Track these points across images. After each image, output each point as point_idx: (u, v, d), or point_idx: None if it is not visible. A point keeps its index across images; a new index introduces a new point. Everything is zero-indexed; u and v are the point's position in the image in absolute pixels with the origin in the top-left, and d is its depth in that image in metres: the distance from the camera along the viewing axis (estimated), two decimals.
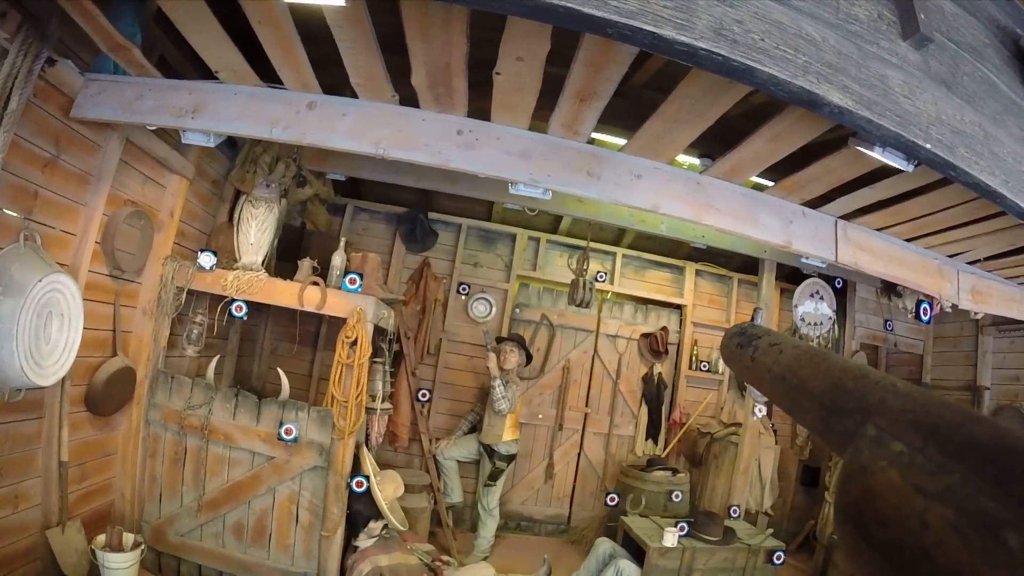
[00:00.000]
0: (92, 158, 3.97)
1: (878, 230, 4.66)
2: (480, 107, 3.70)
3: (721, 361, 7.86)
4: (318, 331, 7.10)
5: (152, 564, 4.78)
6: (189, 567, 4.81)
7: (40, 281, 3.26)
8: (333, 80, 3.70)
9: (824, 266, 4.91)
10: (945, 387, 7.49)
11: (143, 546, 4.27)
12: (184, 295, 4.85)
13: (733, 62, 2.24)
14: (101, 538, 4.15)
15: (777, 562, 5.57)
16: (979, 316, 5.55)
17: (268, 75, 3.70)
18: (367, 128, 3.72)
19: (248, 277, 4.82)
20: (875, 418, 1.02)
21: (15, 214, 3.41)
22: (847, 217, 4.51)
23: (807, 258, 4.63)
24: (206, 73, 3.79)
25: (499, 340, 6.59)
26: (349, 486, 4.71)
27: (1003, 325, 7.14)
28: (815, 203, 4.35)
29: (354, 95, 3.71)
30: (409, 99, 3.65)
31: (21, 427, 3.73)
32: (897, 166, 3.00)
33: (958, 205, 3.93)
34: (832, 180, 3.92)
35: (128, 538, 4.26)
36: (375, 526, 4.98)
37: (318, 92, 3.76)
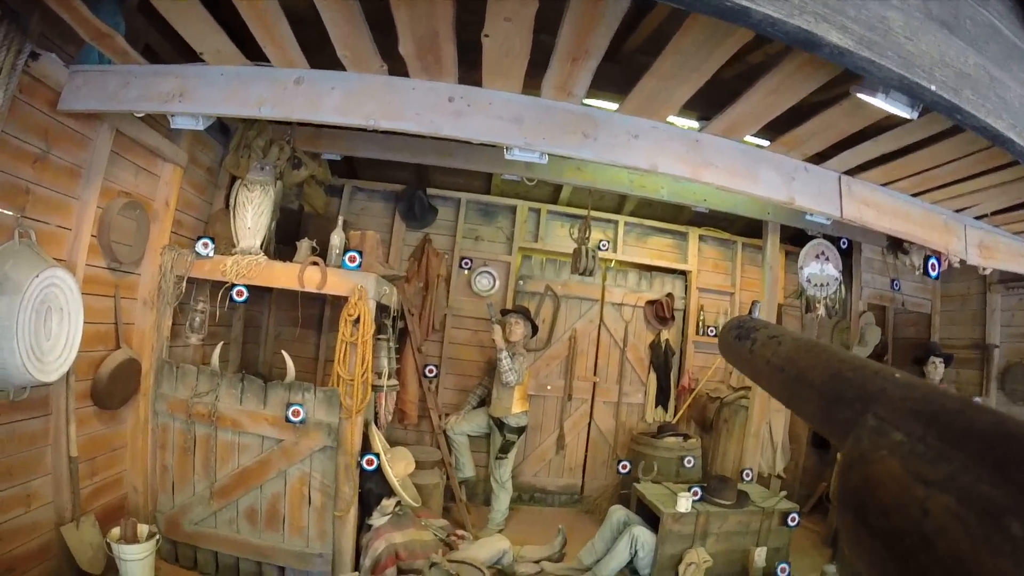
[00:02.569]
0: (82, 151, 3.94)
1: (883, 185, 4.59)
2: (473, 80, 3.64)
3: None
4: (322, 314, 7.11)
5: (169, 554, 4.81)
6: (205, 555, 4.82)
7: (37, 277, 3.23)
8: (324, 61, 3.64)
9: (828, 223, 4.86)
10: (954, 346, 7.42)
11: (158, 536, 4.28)
12: (184, 284, 4.82)
13: (728, 2, 2.17)
14: (116, 531, 4.16)
15: (792, 524, 5.56)
16: (987, 272, 5.48)
17: (254, 54, 3.64)
18: (356, 101, 3.65)
19: (247, 261, 4.79)
20: (875, 407, 1.00)
21: (8, 212, 3.38)
22: (850, 173, 4.44)
23: (811, 215, 4.55)
24: (192, 57, 3.72)
25: (504, 312, 6.56)
26: (360, 465, 4.71)
27: (1011, 283, 7.10)
28: (817, 159, 4.28)
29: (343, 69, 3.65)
30: (398, 70, 3.58)
31: (28, 426, 3.72)
32: (901, 114, 2.92)
33: (963, 157, 3.87)
34: (833, 135, 3.85)
35: (143, 529, 4.27)
36: (388, 504, 4.98)
37: (305, 68, 3.69)
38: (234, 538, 4.77)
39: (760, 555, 5.33)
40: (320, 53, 3.54)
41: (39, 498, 3.84)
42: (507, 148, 3.69)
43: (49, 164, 3.67)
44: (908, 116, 2.94)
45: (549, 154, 3.80)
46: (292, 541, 4.72)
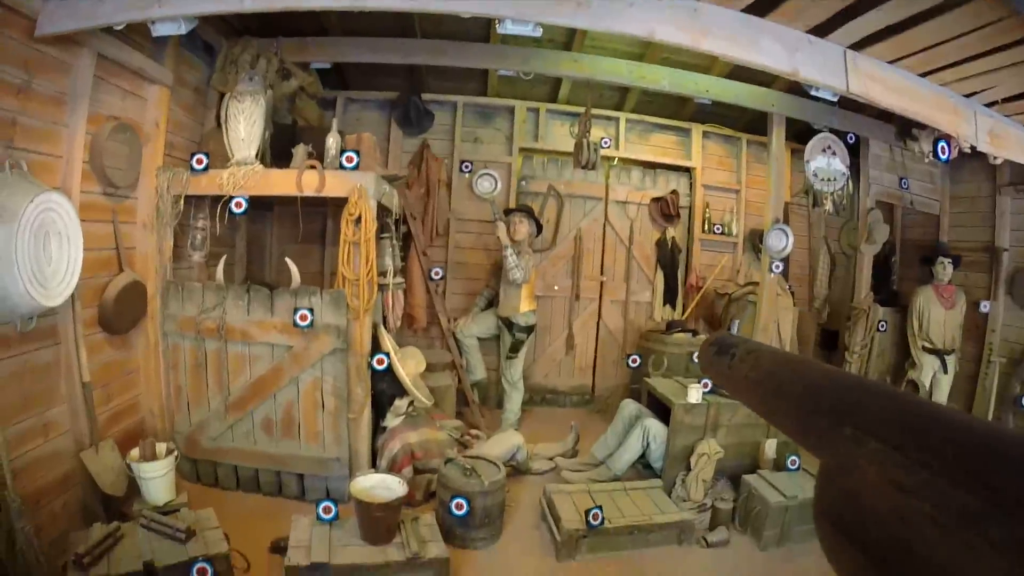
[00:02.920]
0: (65, 78, 3.82)
1: (889, 62, 4.45)
2: None
3: (735, 223, 7.80)
4: (324, 228, 7.06)
5: (190, 473, 4.90)
6: (225, 470, 4.91)
7: (31, 202, 3.17)
8: None
9: (835, 99, 4.71)
10: (963, 248, 7.27)
11: (176, 452, 4.32)
12: (182, 202, 4.77)
13: None
14: (135, 452, 4.19)
15: None
16: (997, 162, 5.36)
17: None
18: None
19: (244, 171, 4.72)
20: (851, 418, 1.00)
21: None
22: (856, 47, 4.29)
23: (816, 89, 4.42)
24: None
25: (507, 212, 6.50)
26: (370, 365, 4.74)
27: (1021, 185, 6.93)
28: (821, 31, 4.13)
29: None
30: None
31: (39, 356, 3.72)
32: None
33: (974, 31, 3.72)
34: (836, 1, 3.70)
35: (161, 447, 4.30)
36: (401, 404, 5.03)
37: None
38: (251, 450, 4.84)
39: (771, 447, 5.38)
40: None
41: (57, 427, 3.87)
42: (499, 21, 3.56)
43: (33, 94, 3.57)
44: None
45: (545, 33, 3.70)
46: (309, 447, 4.78)
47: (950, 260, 6.70)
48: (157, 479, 4.14)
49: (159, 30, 3.85)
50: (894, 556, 0.74)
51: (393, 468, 4.71)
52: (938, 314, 6.69)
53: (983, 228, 7.29)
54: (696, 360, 6.68)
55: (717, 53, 3.93)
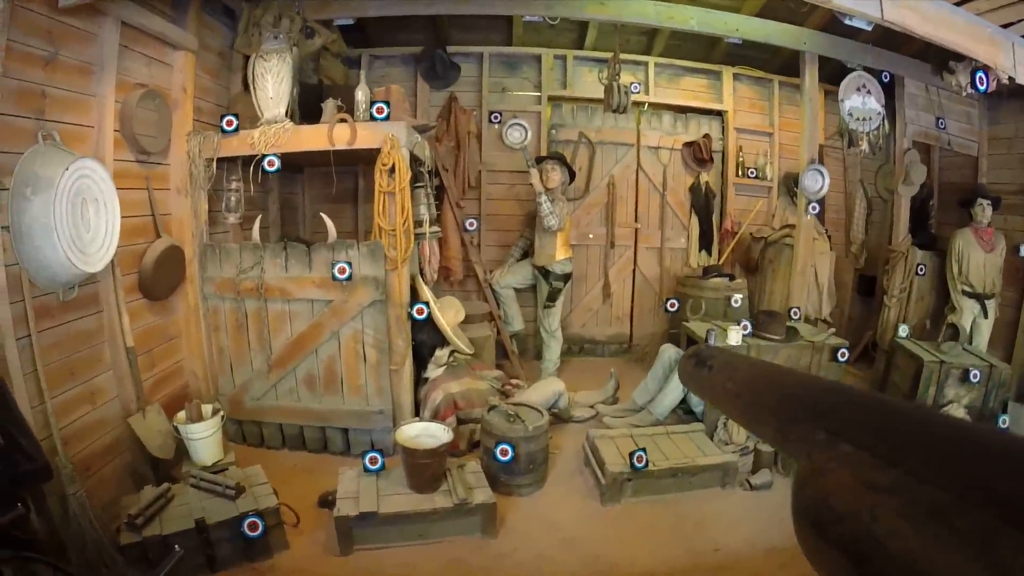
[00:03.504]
0: (90, 47, 3.82)
1: None
2: None
3: (769, 167, 7.70)
4: (356, 187, 7.07)
5: (235, 435, 5.00)
6: (270, 429, 5.00)
7: (67, 170, 3.20)
8: None
9: (870, 27, 4.60)
10: (1002, 190, 7.03)
11: (222, 412, 4.40)
12: (214, 166, 4.79)
13: None
14: (181, 414, 4.28)
15: (842, 359, 5.50)
16: None
17: None
18: None
19: (274, 130, 4.73)
20: (824, 422, 1.01)
21: (28, 116, 3.34)
22: None
23: (851, 17, 4.32)
24: None
25: (538, 160, 6.45)
26: (410, 316, 4.77)
27: None
28: None
29: None
30: None
31: (82, 324, 3.78)
32: None
33: None
34: None
35: (207, 408, 4.40)
36: (442, 354, 5.08)
37: None
38: (295, 407, 4.92)
39: None
40: None
41: (103, 393, 3.95)
42: None
43: (60, 65, 3.57)
44: None
45: None
46: (352, 401, 4.85)
47: (989, 202, 6.53)
48: (204, 439, 4.23)
49: None
50: (869, 553, 0.77)
51: (436, 418, 4.76)
52: (978, 257, 6.54)
53: (1022, 170, 7.05)
54: (734, 304, 6.67)
55: None
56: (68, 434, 3.51)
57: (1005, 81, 4.85)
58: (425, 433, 4.15)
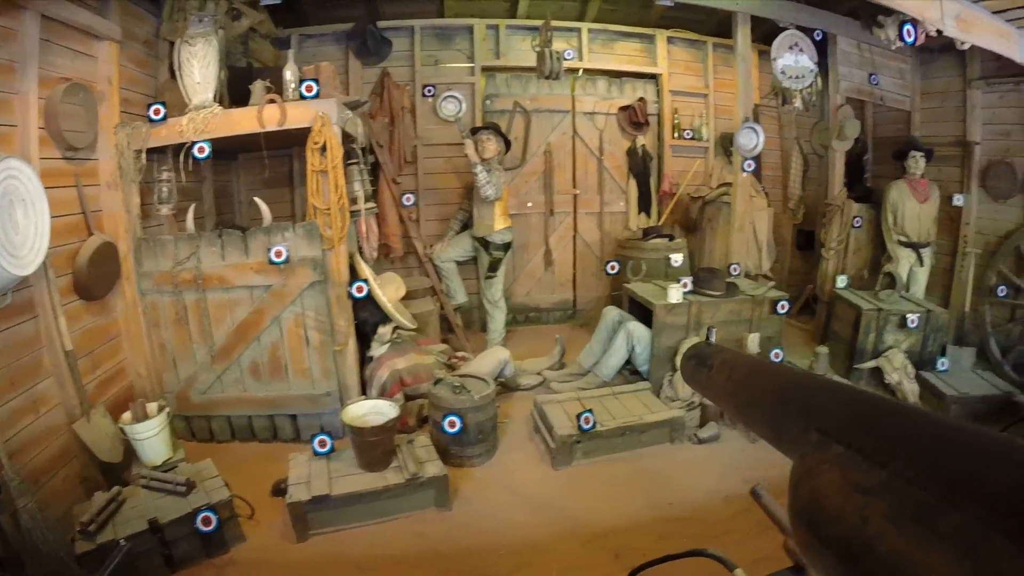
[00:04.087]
0: (11, 44, 3.68)
1: None
2: None
3: (704, 128, 7.78)
4: (291, 170, 6.95)
5: (185, 431, 4.92)
6: (219, 423, 4.94)
7: None
8: None
9: None
10: (935, 143, 7.24)
11: (167, 408, 4.34)
12: (144, 157, 4.65)
13: None
14: (127, 415, 4.19)
15: (781, 311, 5.68)
16: (965, 47, 5.32)
17: None
18: None
19: (203, 115, 4.62)
20: (817, 422, 1.03)
21: None
22: None
23: None
24: None
25: (473, 131, 6.42)
26: (350, 294, 4.74)
27: (992, 79, 6.89)
28: None
29: None
30: None
31: (19, 332, 3.68)
32: None
33: None
34: None
35: (152, 406, 4.31)
36: (385, 331, 5.07)
37: None
38: (242, 396, 4.87)
39: (753, 341, 5.48)
40: None
41: (46, 401, 3.85)
42: None
43: None
44: None
45: None
46: (298, 385, 4.83)
47: (922, 154, 6.72)
48: (152, 438, 4.16)
49: None
50: (860, 555, 0.79)
51: (383, 396, 4.75)
52: (912, 208, 6.74)
53: (954, 123, 7.28)
54: (674, 264, 6.76)
55: None
56: (14, 446, 3.43)
57: (933, 34, 4.96)
58: (373, 411, 4.15)
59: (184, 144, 4.63)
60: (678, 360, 5.12)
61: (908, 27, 5.27)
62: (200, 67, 4.74)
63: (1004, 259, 6.59)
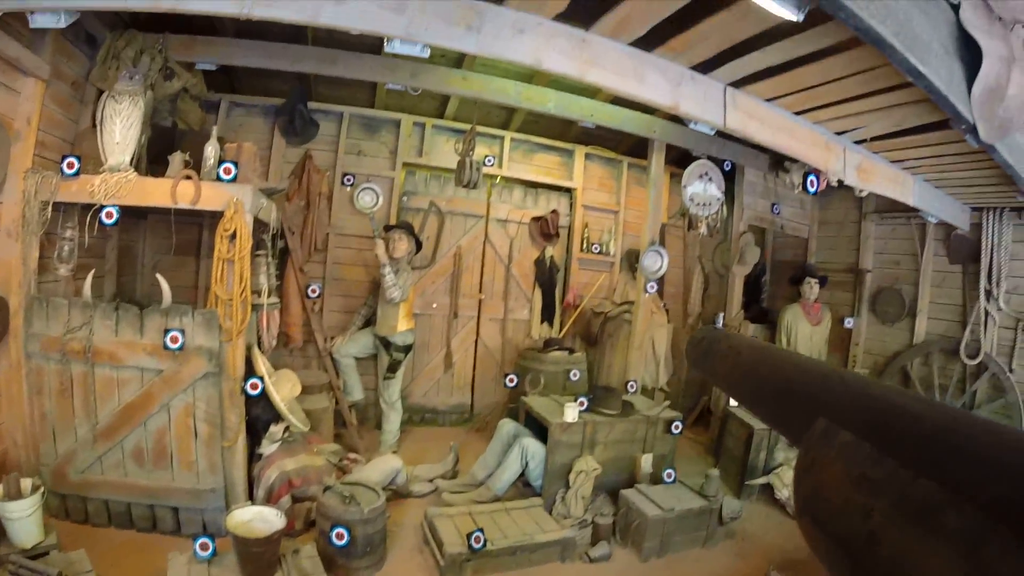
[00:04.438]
0: None
1: (767, 100, 4.67)
2: None
3: (613, 243, 8.01)
4: (200, 239, 6.71)
5: (58, 510, 4.50)
6: (96, 505, 4.55)
7: None
8: None
9: (712, 132, 4.92)
10: (829, 269, 7.94)
11: (43, 488, 3.98)
12: (50, 209, 4.38)
13: None
14: None
15: (675, 431, 5.81)
16: (863, 194, 5.75)
17: None
18: None
19: (116, 179, 4.39)
20: (824, 411, 1.03)
21: None
22: (736, 85, 4.48)
23: (695, 123, 4.60)
24: None
25: (387, 228, 6.42)
26: (244, 390, 4.53)
27: (885, 212, 7.63)
28: (704, 68, 4.28)
29: None
30: None
31: None
32: (787, 15, 2.93)
33: (847, 77, 3.95)
34: (722, 40, 3.84)
35: (26, 484, 3.94)
36: (276, 429, 4.87)
37: None
38: (123, 482, 4.51)
39: (647, 461, 5.55)
40: None
41: None
42: (387, 40, 3.50)
43: None
44: (794, 18, 2.95)
45: (434, 53, 3.67)
46: (183, 477, 4.52)
47: (817, 280, 7.17)
48: (23, 519, 3.78)
49: (37, 21, 3.58)
50: (864, 549, 0.76)
51: (271, 498, 4.54)
52: (805, 329, 7.13)
53: (848, 251, 8.01)
54: (572, 378, 6.82)
55: (603, 85, 4.04)
56: None
57: (835, 184, 5.28)
58: (258, 518, 3.91)
59: (93, 204, 4.40)
60: (572, 477, 5.13)
61: (812, 177, 5.60)
62: (122, 127, 4.54)
63: (891, 377, 7.15)
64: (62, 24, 3.62)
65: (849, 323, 7.62)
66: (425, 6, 3.47)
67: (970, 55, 3.35)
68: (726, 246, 8.13)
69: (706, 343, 1.83)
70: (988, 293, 6.74)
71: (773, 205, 7.90)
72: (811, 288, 7.17)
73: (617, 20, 3.73)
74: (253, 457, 4.83)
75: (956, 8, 3.21)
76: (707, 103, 4.39)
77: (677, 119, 5.70)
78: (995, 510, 0.65)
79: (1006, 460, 0.71)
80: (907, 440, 0.79)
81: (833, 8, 2.67)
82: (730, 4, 3.35)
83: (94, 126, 4.66)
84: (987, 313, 6.73)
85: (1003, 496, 0.66)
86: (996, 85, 3.43)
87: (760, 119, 4.62)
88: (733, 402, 6.63)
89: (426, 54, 3.62)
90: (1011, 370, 6.52)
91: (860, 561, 0.78)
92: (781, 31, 3.51)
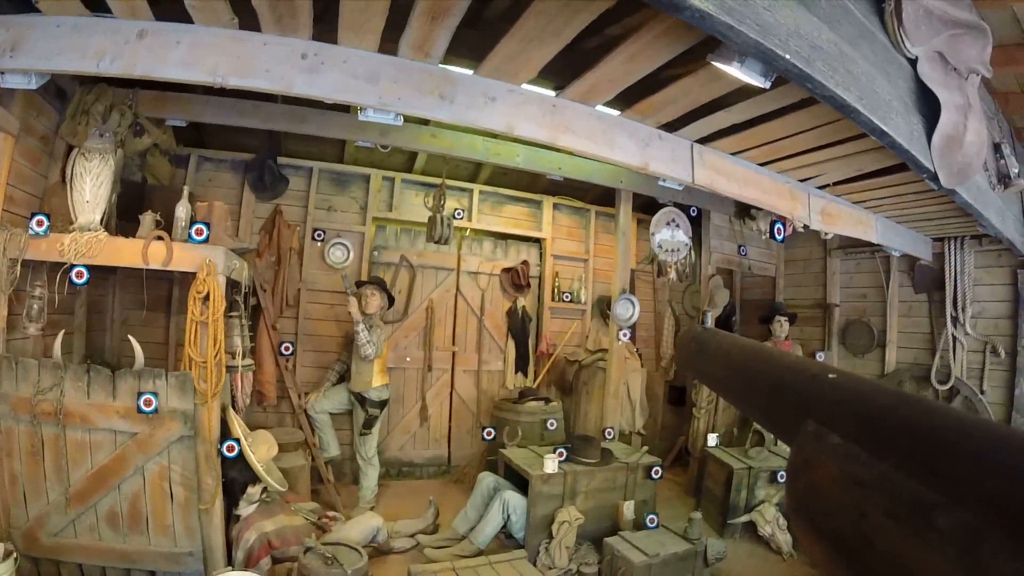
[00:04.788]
0: None
1: (733, 154, 4.80)
2: (329, 37, 3.47)
3: (583, 291, 8.08)
4: (170, 295, 6.63)
5: (31, 574, 4.36)
6: (70, 569, 4.41)
7: None
8: (170, 11, 3.38)
9: (680, 188, 5.04)
10: (798, 305, 8.14)
11: (15, 555, 3.90)
12: (19, 267, 4.33)
13: None
14: None
15: (655, 476, 5.86)
16: (828, 237, 5.91)
17: (95, 4, 3.34)
18: (203, 55, 3.39)
19: (86, 238, 4.36)
20: (814, 412, 1.05)
21: None
22: (703, 141, 4.61)
23: (664, 180, 4.71)
24: (25, 6, 3.38)
25: (359, 284, 6.44)
26: (220, 452, 4.47)
27: (849, 248, 7.85)
28: (671, 127, 4.40)
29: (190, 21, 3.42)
30: (250, 24, 3.37)
31: None
32: (754, 82, 3.02)
33: (811, 130, 4.11)
34: (688, 103, 3.97)
35: None
36: (253, 491, 4.80)
37: (150, 19, 3.39)
38: (97, 546, 4.39)
39: (629, 508, 5.56)
40: (166, 1, 3.29)
41: None
42: (361, 109, 3.56)
43: None
44: (762, 85, 3.04)
45: (405, 116, 3.71)
46: (159, 541, 4.41)
47: (786, 318, 7.30)
48: None
49: (7, 82, 3.60)
50: (859, 550, 0.76)
51: (250, 560, 4.46)
52: None
53: (815, 287, 8.23)
54: (550, 428, 6.82)
55: (575, 150, 4.15)
56: None
57: (801, 230, 5.41)
58: None
59: (62, 263, 4.35)
60: (554, 528, 5.12)
61: (779, 225, 5.73)
62: (92, 185, 4.50)
63: None
64: (33, 85, 3.64)
65: (820, 357, 7.75)
66: (398, 76, 3.55)
67: (928, 107, 3.48)
68: (695, 289, 8.24)
69: (695, 344, 1.84)
70: (955, 319, 6.91)
71: (740, 247, 8.07)
72: (781, 326, 7.29)
73: (587, 87, 3.84)
74: (231, 518, 4.75)
75: (913, 63, 3.33)
76: (675, 161, 4.50)
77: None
78: (993, 508, 0.64)
79: (999, 458, 0.73)
80: (899, 439, 0.81)
81: (801, 80, 2.77)
82: (697, 70, 3.46)
83: (63, 181, 4.64)
84: (955, 339, 6.90)
85: (1001, 493, 0.65)
86: (954, 133, 3.56)
87: (727, 174, 4.75)
88: (711, 442, 6.71)
89: (399, 122, 3.69)
90: (983, 392, 6.68)
91: (855, 562, 0.80)
92: (746, 92, 3.63)
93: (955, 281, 6.93)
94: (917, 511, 0.69)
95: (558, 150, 6.24)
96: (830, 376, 1.05)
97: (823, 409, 1.00)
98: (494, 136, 6.15)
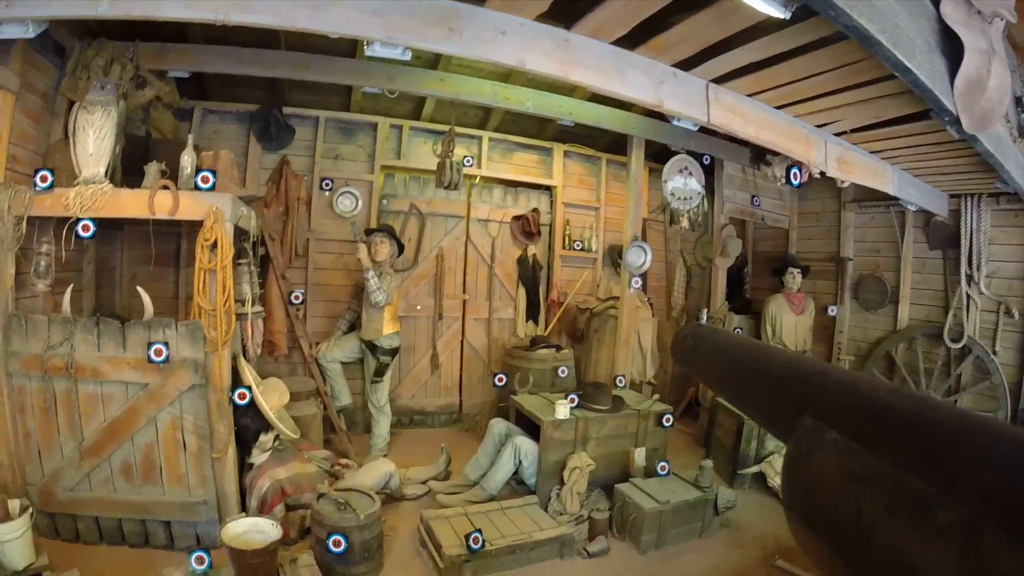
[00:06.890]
0: None
1: (749, 95, 4.67)
2: None
3: (594, 240, 8.02)
4: (178, 249, 6.60)
5: (48, 529, 4.41)
6: (86, 523, 4.45)
7: None
8: None
9: (695, 128, 4.94)
10: (810, 259, 8.07)
11: (31, 509, 3.91)
12: (24, 225, 4.28)
13: None
14: None
15: (666, 424, 5.82)
16: (844, 185, 5.78)
17: None
18: None
19: (91, 191, 4.30)
20: (811, 407, 1.02)
21: None
22: (718, 81, 4.48)
23: (679, 120, 4.62)
24: None
25: (368, 232, 6.39)
26: (232, 400, 4.46)
27: (864, 202, 7.73)
28: (686, 65, 4.28)
29: None
30: None
31: None
32: (773, 12, 2.94)
33: (828, 71, 3.97)
34: (702, 39, 3.85)
35: (14, 505, 3.86)
36: (266, 439, 4.81)
37: None
38: (112, 498, 4.42)
39: (640, 455, 5.56)
40: None
41: None
42: (367, 43, 3.44)
43: None
44: (781, 15, 2.95)
45: (413, 54, 3.61)
46: (173, 492, 4.44)
47: (799, 270, 7.25)
48: (13, 541, 3.71)
49: (5, 32, 3.53)
50: (856, 545, 0.75)
51: (264, 508, 4.49)
52: (789, 319, 7.22)
53: (829, 240, 8.11)
54: (561, 375, 6.82)
55: (586, 84, 4.00)
56: None
57: (816, 175, 5.31)
58: (253, 529, 3.88)
59: (68, 218, 4.30)
60: (566, 474, 5.13)
61: (795, 170, 5.62)
62: (95, 138, 4.43)
63: (876, 363, 7.25)
64: (30, 34, 3.56)
65: (832, 311, 7.73)
66: (404, 9, 3.43)
67: (951, 49, 3.37)
68: (708, 239, 8.17)
69: (691, 340, 1.83)
70: (969, 278, 6.82)
71: (753, 197, 7.97)
72: (793, 278, 7.26)
73: (599, 21, 3.72)
74: (244, 467, 4.77)
75: (937, 4, 3.22)
76: (690, 100, 4.39)
77: (656, 115, 5.73)
78: (991, 503, 0.65)
79: (997, 453, 0.71)
80: (897, 435, 0.78)
81: (823, 7, 2.67)
82: (712, 3, 3.35)
83: (66, 138, 4.56)
84: (969, 297, 6.82)
85: (999, 488, 0.66)
86: (977, 77, 3.46)
87: (743, 115, 4.63)
88: None
89: (407, 57, 3.58)
90: (995, 352, 6.62)
91: (853, 559, 0.78)
92: (763, 28, 3.51)
93: (971, 239, 6.82)
94: (916, 506, 0.70)
95: (569, 93, 6.19)
96: (826, 373, 1.03)
97: (821, 404, 0.99)
98: (503, 80, 6.05)
